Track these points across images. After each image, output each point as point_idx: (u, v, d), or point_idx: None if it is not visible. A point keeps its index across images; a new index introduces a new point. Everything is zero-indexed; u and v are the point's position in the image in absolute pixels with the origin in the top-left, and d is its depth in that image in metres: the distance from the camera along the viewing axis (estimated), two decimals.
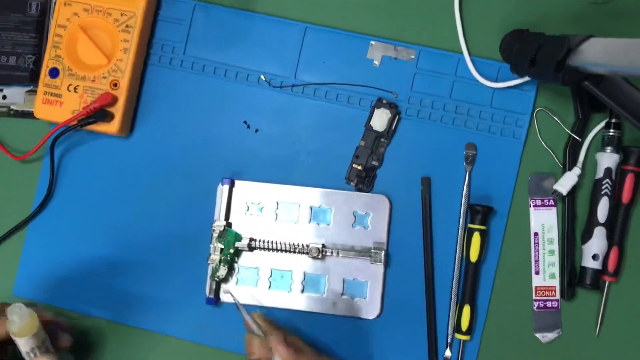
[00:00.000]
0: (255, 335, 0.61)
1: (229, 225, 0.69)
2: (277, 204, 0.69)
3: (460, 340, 0.67)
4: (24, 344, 0.55)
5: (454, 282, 0.68)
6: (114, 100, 0.68)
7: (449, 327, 0.68)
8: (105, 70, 0.68)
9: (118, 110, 0.68)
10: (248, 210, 0.70)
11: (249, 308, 0.68)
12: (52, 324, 0.62)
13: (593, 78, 0.55)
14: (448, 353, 0.67)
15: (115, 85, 0.68)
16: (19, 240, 0.72)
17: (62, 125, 0.67)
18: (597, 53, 0.53)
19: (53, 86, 0.69)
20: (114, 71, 0.68)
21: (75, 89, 0.68)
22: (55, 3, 0.70)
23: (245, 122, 0.71)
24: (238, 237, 0.68)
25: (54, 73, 0.69)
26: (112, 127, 0.68)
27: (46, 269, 0.71)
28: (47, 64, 0.69)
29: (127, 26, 0.68)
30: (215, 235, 0.68)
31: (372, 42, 0.70)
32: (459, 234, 0.68)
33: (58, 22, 0.69)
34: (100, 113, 0.67)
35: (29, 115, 0.72)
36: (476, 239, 0.66)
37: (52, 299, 0.70)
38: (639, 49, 0.49)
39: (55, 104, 0.69)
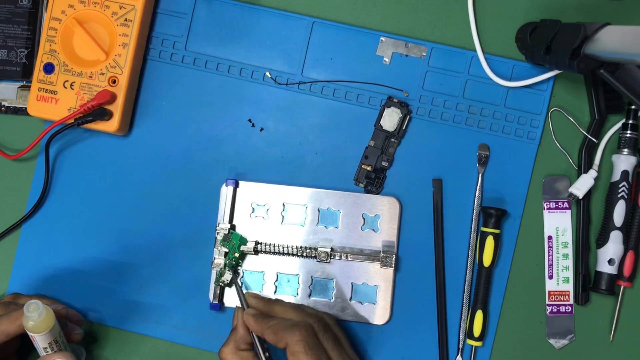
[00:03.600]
0: (240, 308, 0.63)
1: (233, 227, 0.66)
2: (284, 205, 0.67)
3: (472, 346, 0.66)
4: (41, 340, 0.55)
5: (466, 287, 0.66)
6: (113, 97, 0.65)
7: (461, 333, 0.66)
8: (103, 66, 0.65)
9: (117, 108, 0.65)
10: (253, 212, 0.67)
11: None
12: (64, 318, 0.62)
13: (608, 66, 0.55)
14: (459, 359, 0.66)
15: (114, 82, 0.65)
16: (12, 242, 0.69)
17: (58, 124, 0.64)
18: (613, 41, 0.52)
19: (48, 82, 0.65)
20: (112, 67, 0.65)
21: (71, 85, 0.65)
22: None
23: (249, 120, 0.68)
24: (243, 241, 0.66)
25: (48, 69, 0.65)
26: (111, 125, 0.65)
27: (41, 272, 0.68)
28: (41, 59, 0.66)
29: (125, 19, 0.65)
30: (219, 238, 0.65)
31: (382, 39, 0.67)
32: (472, 238, 0.66)
33: (52, 15, 0.66)
34: (99, 111, 0.64)
35: (21, 111, 0.69)
36: (490, 242, 0.65)
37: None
38: None
39: (51, 101, 0.65)
